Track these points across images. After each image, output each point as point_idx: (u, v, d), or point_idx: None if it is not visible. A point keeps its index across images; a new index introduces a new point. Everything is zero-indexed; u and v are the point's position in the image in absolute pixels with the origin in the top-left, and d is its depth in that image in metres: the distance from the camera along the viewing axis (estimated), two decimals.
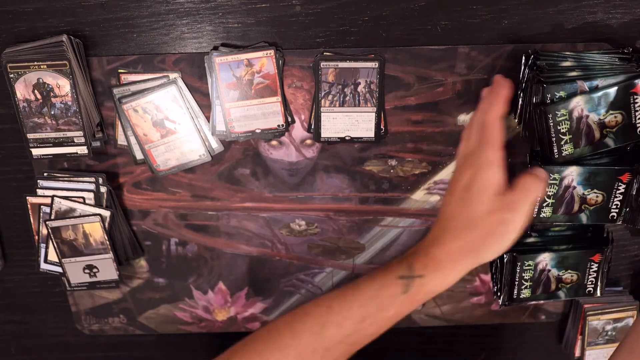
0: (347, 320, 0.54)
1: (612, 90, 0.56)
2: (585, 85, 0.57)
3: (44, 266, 0.71)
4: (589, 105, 0.57)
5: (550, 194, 0.61)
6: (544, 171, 0.54)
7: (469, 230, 0.53)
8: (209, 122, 0.66)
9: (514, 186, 0.53)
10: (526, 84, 0.60)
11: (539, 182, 0.53)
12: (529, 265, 0.66)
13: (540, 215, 0.62)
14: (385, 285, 0.54)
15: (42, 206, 0.68)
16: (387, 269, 0.55)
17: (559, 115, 0.57)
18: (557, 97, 0.57)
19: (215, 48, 0.63)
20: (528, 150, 0.66)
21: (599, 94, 0.57)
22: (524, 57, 0.61)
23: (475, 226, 0.52)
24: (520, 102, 0.62)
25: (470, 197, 0.53)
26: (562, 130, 0.58)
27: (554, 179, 0.61)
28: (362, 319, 0.54)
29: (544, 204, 0.61)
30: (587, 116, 0.57)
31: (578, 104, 0.57)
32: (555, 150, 0.59)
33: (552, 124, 0.57)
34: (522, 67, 0.61)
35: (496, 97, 0.55)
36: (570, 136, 0.58)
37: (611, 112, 0.57)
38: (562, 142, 0.58)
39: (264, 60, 0.62)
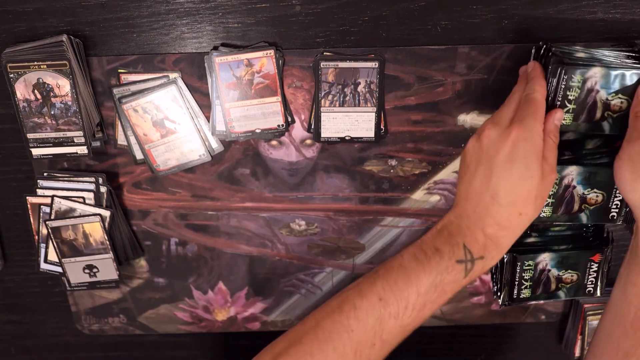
0: (407, 310, 0.53)
1: (629, 74, 0.56)
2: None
3: (44, 266, 0.71)
4: (604, 80, 0.56)
5: (550, 193, 0.61)
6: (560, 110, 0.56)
7: (529, 201, 0.53)
8: (209, 122, 0.66)
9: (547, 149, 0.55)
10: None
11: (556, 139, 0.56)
12: (529, 265, 0.66)
13: (540, 215, 0.62)
14: (444, 271, 0.53)
15: (42, 206, 0.68)
16: (439, 254, 0.53)
17: (573, 80, 0.56)
18: (573, 79, 0.56)
19: (215, 48, 0.63)
20: None
21: (617, 72, 0.56)
22: (533, 50, 0.60)
23: (534, 196, 0.53)
24: None
25: (521, 168, 0.53)
26: (569, 97, 0.57)
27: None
28: (422, 306, 0.53)
29: (544, 204, 0.61)
30: (598, 91, 0.56)
31: (595, 74, 0.56)
32: None
33: (563, 86, 0.56)
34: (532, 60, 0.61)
35: (539, 79, 0.56)
36: (575, 106, 0.57)
37: (620, 95, 0.56)
38: (565, 110, 0.57)
39: (264, 60, 0.62)
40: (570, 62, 0.56)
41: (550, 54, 0.58)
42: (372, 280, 0.54)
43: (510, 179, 0.53)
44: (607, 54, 0.59)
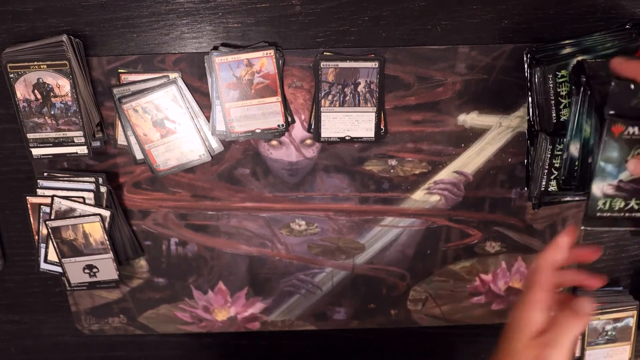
0: None
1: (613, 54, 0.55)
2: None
3: (44, 266, 0.71)
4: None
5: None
6: (587, 302, 0.53)
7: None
8: (209, 122, 0.66)
9: (554, 322, 0.54)
10: (531, 82, 0.60)
11: (578, 319, 0.53)
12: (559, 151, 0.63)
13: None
14: None
15: (42, 206, 0.68)
16: None
17: (559, 77, 0.56)
18: (559, 75, 0.56)
19: (215, 48, 0.63)
20: (527, 150, 0.66)
21: (603, 53, 0.56)
22: (525, 56, 0.61)
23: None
24: (529, 100, 0.61)
25: (512, 334, 0.56)
26: (561, 93, 0.57)
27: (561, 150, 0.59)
28: None
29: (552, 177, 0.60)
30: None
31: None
32: (554, 115, 0.58)
33: (552, 85, 0.56)
34: (526, 67, 0.61)
35: (553, 245, 0.56)
36: (569, 100, 0.57)
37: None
38: (561, 106, 0.57)
39: (264, 60, 0.62)
40: (551, 61, 0.56)
41: (535, 62, 0.58)
42: None
43: (503, 340, 0.57)
44: (598, 38, 0.58)
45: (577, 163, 0.58)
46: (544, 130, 0.59)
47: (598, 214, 0.57)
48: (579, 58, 0.56)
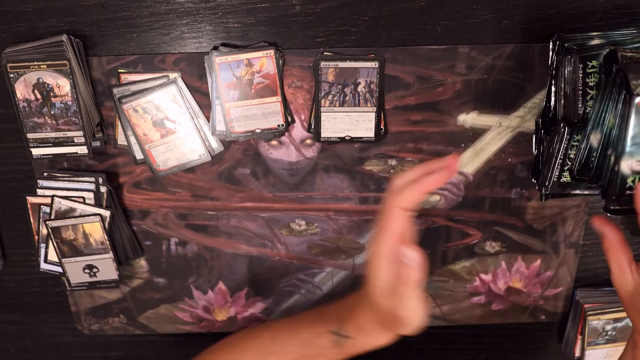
0: (288, 355, 0.60)
1: None
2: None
3: (44, 266, 0.71)
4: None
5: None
6: (412, 252, 0.50)
7: (375, 308, 0.54)
8: (209, 122, 0.66)
9: (396, 274, 0.51)
10: (556, 70, 0.59)
11: (407, 269, 0.50)
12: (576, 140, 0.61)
13: None
14: (317, 334, 0.58)
15: (42, 206, 0.68)
16: (322, 317, 0.59)
17: (589, 67, 0.55)
18: (589, 65, 0.55)
19: (215, 48, 0.63)
20: (529, 150, 0.66)
21: (633, 46, 0.55)
22: (551, 43, 0.60)
23: (377, 307, 0.53)
24: (554, 89, 0.60)
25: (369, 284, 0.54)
26: (590, 84, 0.56)
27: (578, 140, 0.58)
28: (301, 357, 0.59)
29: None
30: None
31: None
32: (580, 106, 0.56)
33: (581, 74, 0.55)
34: (550, 53, 0.60)
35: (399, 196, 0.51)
36: (597, 92, 0.56)
37: None
38: (588, 97, 0.56)
39: (264, 60, 0.62)
40: (582, 50, 0.55)
41: (564, 49, 0.57)
42: (280, 322, 0.65)
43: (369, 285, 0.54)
44: (626, 32, 0.57)
45: (594, 154, 0.56)
46: (567, 120, 0.58)
47: (627, 192, 0.55)
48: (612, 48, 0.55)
